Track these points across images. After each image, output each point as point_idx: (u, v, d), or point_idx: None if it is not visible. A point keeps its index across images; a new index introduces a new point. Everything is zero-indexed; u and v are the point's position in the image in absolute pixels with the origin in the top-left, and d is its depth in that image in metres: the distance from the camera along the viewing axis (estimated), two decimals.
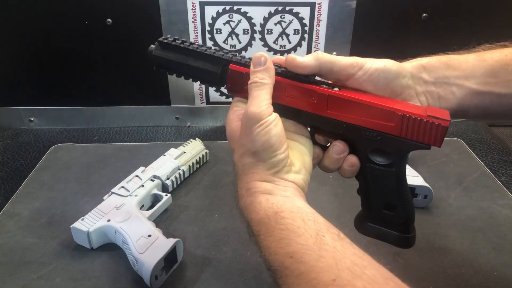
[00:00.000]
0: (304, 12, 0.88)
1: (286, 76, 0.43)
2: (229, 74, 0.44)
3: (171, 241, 0.55)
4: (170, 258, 0.55)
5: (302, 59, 0.42)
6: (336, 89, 0.43)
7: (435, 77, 0.44)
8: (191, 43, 0.45)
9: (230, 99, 0.98)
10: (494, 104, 0.43)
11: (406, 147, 0.40)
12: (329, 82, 0.45)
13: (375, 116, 0.40)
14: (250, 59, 0.43)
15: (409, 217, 0.44)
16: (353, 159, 0.43)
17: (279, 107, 0.42)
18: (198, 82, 0.52)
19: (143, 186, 0.68)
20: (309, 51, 0.92)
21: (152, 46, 0.46)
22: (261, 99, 0.40)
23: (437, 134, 0.39)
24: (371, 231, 0.45)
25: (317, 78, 0.45)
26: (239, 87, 0.43)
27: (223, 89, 0.97)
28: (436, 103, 0.44)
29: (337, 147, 0.43)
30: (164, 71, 0.47)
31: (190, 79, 0.47)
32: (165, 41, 0.45)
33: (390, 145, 0.41)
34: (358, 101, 0.41)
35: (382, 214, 0.44)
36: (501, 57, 0.44)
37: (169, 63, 0.46)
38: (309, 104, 0.42)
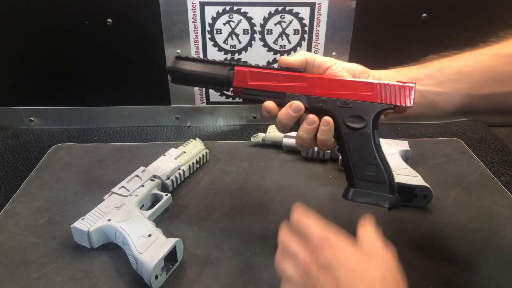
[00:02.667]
0: (304, 12, 0.88)
1: (281, 70, 0.53)
2: (235, 73, 0.53)
3: (171, 241, 0.55)
4: (170, 257, 0.55)
5: (293, 57, 0.53)
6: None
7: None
8: (200, 58, 0.55)
9: (229, 99, 0.99)
10: (436, 100, 0.53)
11: (375, 108, 0.50)
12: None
13: (355, 89, 0.51)
14: (253, 64, 0.54)
15: (389, 175, 0.50)
16: (326, 118, 0.50)
17: (272, 94, 0.52)
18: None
19: (143, 186, 0.68)
20: (308, 51, 0.92)
21: (168, 64, 0.55)
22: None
23: (407, 95, 0.49)
24: (359, 196, 0.50)
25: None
26: (243, 83, 0.52)
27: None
28: None
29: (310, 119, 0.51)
30: (180, 83, 0.55)
31: (202, 86, 0.57)
32: (182, 56, 0.55)
33: (362, 110, 0.50)
34: (341, 79, 0.51)
35: (366, 176, 0.50)
36: (438, 63, 0.54)
37: (184, 74, 0.54)
38: (301, 87, 0.52)
